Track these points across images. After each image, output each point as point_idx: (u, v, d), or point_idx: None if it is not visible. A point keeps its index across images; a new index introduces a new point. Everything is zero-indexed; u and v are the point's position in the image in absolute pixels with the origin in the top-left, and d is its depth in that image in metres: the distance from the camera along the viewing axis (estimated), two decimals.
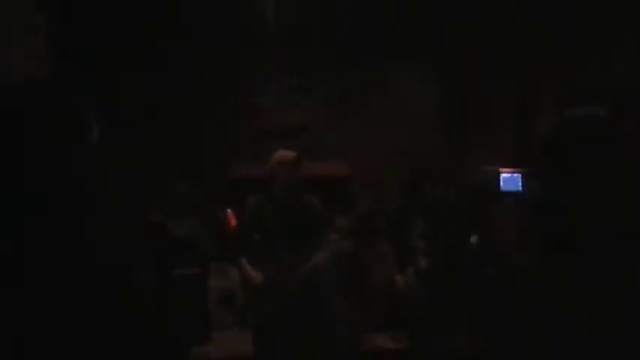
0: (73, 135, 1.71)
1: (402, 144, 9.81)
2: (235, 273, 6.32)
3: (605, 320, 1.46)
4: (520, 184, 4.60)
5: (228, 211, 5.93)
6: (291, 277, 5.10)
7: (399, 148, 9.77)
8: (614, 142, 1.57)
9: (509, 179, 4.82)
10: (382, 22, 9.40)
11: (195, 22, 9.31)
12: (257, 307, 5.25)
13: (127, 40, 8.87)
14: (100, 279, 1.81)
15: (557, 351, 1.48)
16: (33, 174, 1.65)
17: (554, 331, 1.49)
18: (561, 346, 1.48)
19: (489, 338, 1.71)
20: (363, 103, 10.12)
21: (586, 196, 1.55)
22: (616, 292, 1.48)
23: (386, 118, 10.02)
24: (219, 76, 9.77)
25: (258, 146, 9.38)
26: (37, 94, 1.80)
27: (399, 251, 5.77)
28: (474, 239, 5.45)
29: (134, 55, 9.00)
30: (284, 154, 5.24)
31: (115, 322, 1.82)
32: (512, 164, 8.45)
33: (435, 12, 9.10)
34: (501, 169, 4.82)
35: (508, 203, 4.46)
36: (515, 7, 8.13)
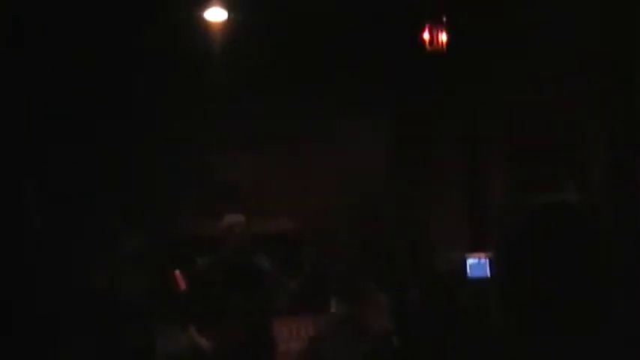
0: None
1: (353, 199, 9.81)
2: (183, 337, 6.17)
3: None
4: (488, 270, 4.45)
5: (177, 272, 5.79)
6: (242, 342, 5.04)
7: (350, 203, 9.76)
8: (582, 228, 1.59)
9: (477, 265, 4.70)
10: (333, 76, 9.45)
11: (148, 80, 9.24)
12: None
13: (76, 97, 8.74)
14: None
15: None
16: None
17: None
18: None
19: None
20: (312, 159, 10.11)
21: (556, 282, 1.55)
22: None
23: (335, 173, 10.01)
24: (168, 132, 9.68)
25: (207, 203, 9.29)
26: None
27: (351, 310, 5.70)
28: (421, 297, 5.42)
29: (79, 116, 8.87)
30: (233, 217, 5.22)
31: None
32: (464, 223, 8.56)
33: (388, 67, 9.21)
34: (467, 255, 4.73)
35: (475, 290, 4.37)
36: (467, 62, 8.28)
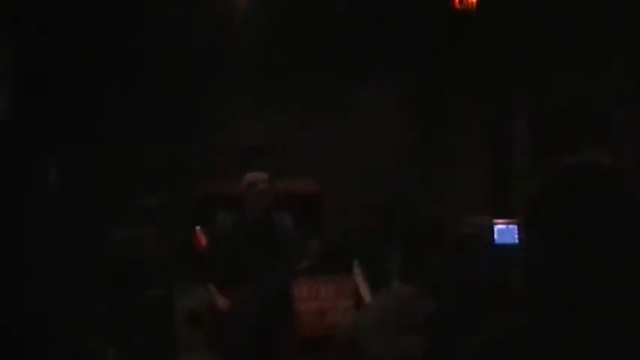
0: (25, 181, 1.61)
1: (373, 163, 9.72)
2: (203, 293, 6.16)
3: None
4: (516, 236, 4.27)
5: (197, 228, 5.75)
6: (259, 299, 5.02)
7: (370, 167, 9.67)
8: (615, 191, 1.49)
9: (504, 231, 4.50)
10: (356, 39, 9.31)
11: (164, 37, 9.14)
12: (224, 332, 5.14)
13: (98, 51, 8.66)
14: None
15: None
16: None
17: None
18: None
19: None
20: (334, 120, 10.00)
21: (587, 248, 1.46)
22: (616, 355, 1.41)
23: (357, 136, 9.90)
24: (189, 90, 9.59)
25: (226, 162, 9.24)
26: None
27: (374, 274, 5.66)
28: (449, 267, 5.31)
29: (103, 70, 8.79)
30: (255, 175, 5.15)
31: None
32: (488, 188, 8.44)
33: (408, 29, 9.05)
34: (495, 220, 4.54)
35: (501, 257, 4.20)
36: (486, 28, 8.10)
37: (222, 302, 5.02)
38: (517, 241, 4.34)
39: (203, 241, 5.61)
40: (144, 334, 5.80)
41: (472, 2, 6.40)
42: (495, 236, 4.54)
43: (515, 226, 4.60)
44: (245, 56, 9.52)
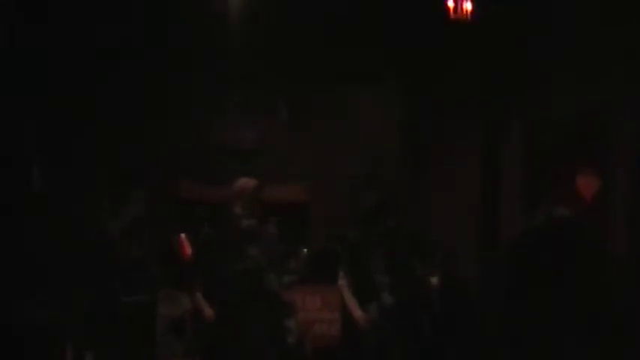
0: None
1: (362, 169, 9.64)
2: (186, 301, 6.04)
3: None
4: None
5: (182, 236, 5.64)
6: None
7: (359, 173, 9.58)
8: (574, 243, 1.75)
9: None
10: (346, 45, 9.23)
11: (149, 39, 9.07)
12: (207, 340, 5.09)
13: (81, 58, 8.58)
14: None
15: None
16: None
17: None
18: None
19: None
20: (323, 126, 9.90)
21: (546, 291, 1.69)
22: None
23: (346, 141, 9.81)
24: (173, 94, 9.49)
25: (211, 165, 9.15)
26: None
27: (360, 285, 5.61)
28: (434, 280, 5.34)
29: (86, 74, 8.70)
30: (245, 182, 5.14)
31: None
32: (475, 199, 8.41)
33: (401, 35, 8.98)
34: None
35: None
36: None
37: (208, 311, 4.99)
38: None
39: (188, 249, 5.51)
40: (124, 341, 5.67)
41: (466, 11, 6.34)
42: None
43: None
44: (236, 57, 9.45)
